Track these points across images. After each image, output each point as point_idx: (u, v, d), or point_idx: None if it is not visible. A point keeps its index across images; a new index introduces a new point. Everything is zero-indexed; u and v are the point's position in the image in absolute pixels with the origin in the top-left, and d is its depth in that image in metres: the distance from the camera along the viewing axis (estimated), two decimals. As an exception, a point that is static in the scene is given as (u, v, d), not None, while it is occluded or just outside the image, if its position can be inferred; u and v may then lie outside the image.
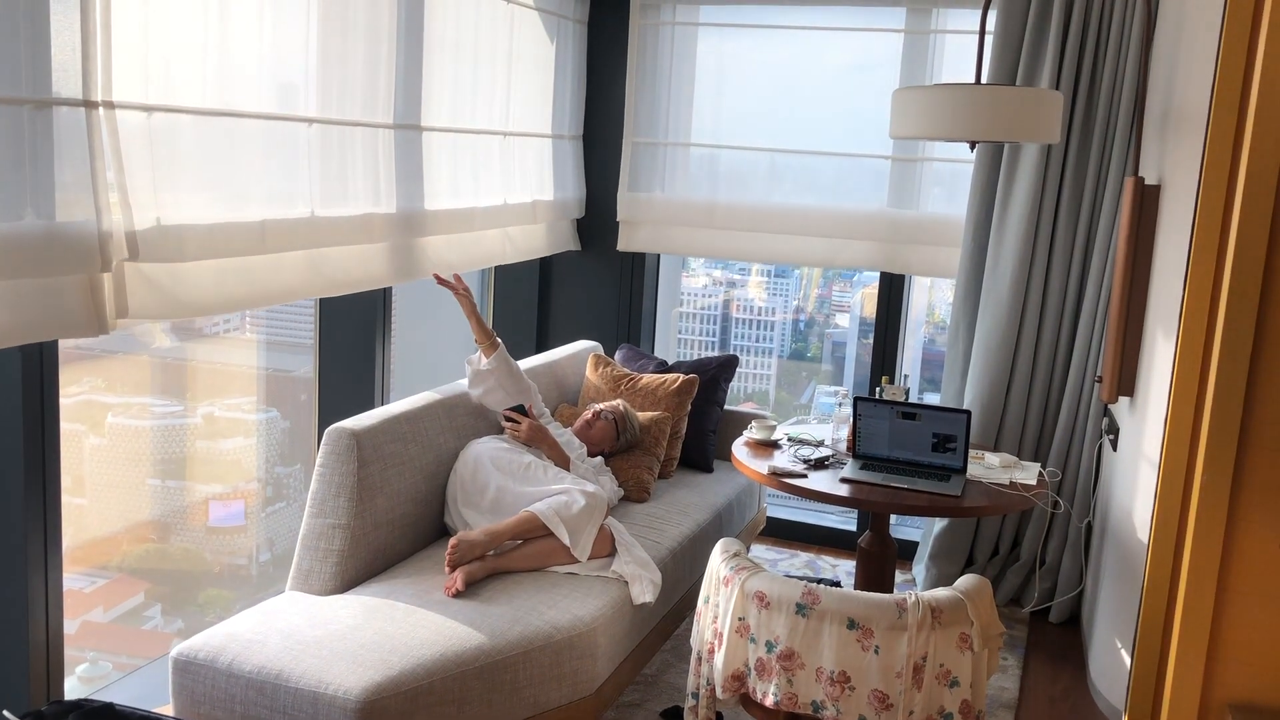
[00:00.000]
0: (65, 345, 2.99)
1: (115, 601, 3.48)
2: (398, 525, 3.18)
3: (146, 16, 2.53)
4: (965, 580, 2.61)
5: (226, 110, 2.81)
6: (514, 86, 4.34)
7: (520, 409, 3.51)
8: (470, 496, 3.31)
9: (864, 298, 5.31)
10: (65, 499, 3.17)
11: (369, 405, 3.86)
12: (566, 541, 3.08)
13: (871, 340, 4.74)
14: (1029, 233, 4.09)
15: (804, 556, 4.69)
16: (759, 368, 5.19)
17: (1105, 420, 3.91)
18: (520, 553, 3.09)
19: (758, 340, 5.22)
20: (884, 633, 2.48)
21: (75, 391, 3.15)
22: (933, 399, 5.00)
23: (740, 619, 2.61)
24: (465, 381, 3.66)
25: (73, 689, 3.18)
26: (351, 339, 3.87)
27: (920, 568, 4.42)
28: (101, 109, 2.40)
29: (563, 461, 3.48)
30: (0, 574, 2.62)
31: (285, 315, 3.63)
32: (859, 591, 2.54)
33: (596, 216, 5.02)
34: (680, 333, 5.38)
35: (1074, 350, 4.13)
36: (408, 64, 3.58)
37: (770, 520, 4.83)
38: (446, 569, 2.97)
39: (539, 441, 3.46)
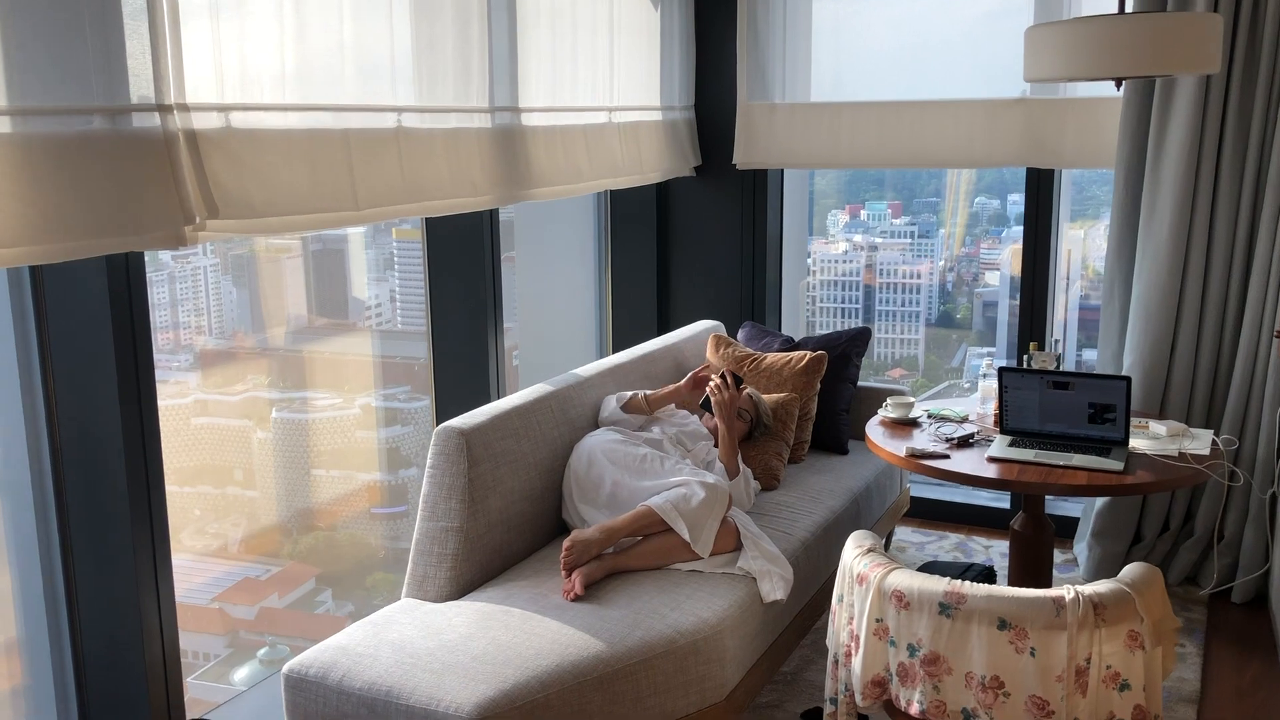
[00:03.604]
0: (228, 346, 3.33)
1: (289, 588, 3.60)
2: (513, 525, 3.05)
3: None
4: (1132, 570, 2.32)
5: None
6: (618, 59, 4.15)
7: (737, 379, 3.36)
8: (585, 492, 3.15)
9: (1013, 254, 4.91)
10: (237, 492, 3.43)
11: (484, 388, 3.75)
12: (686, 537, 2.90)
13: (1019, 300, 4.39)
14: (1188, 176, 3.69)
15: (953, 538, 4.39)
16: (908, 332, 4.95)
17: (1288, 379, 3.50)
18: (639, 550, 2.92)
19: (904, 304, 4.98)
20: (1040, 633, 2.22)
21: (241, 389, 3.32)
22: (1090, 358, 4.61)
23: (878, 620, 2.38)
24: (580, 371, 3.51)
25: (254, 672, 3.35)
26: (463, 323, 3.77)
27: (1082, 546, 4.08)
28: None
29: (731, 457, 3.31)
30: (107, 580, 2.59)
31: (421, 305, 3.68)
32: (1008, 588, 2.28)
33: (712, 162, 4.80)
34: (818, 303, 5.12)
35: (1246, 303, 3.71)
36: (506, 44, 3.43)
37: (915, 500, 4.55)
38: (563, 571, 2.82)
39: (722, 425, 3.30)
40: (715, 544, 2.96)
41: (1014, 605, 2.23)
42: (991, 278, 4.91)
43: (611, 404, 3.38)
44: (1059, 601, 2.21)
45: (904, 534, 4.43)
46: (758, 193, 4.75)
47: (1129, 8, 3.65)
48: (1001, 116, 4.17)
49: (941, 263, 4.94)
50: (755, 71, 4.59)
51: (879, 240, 5.06)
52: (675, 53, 4.56)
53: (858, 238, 5.11)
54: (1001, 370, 3.31)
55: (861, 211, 5.18)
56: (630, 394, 3.44)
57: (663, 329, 4.92)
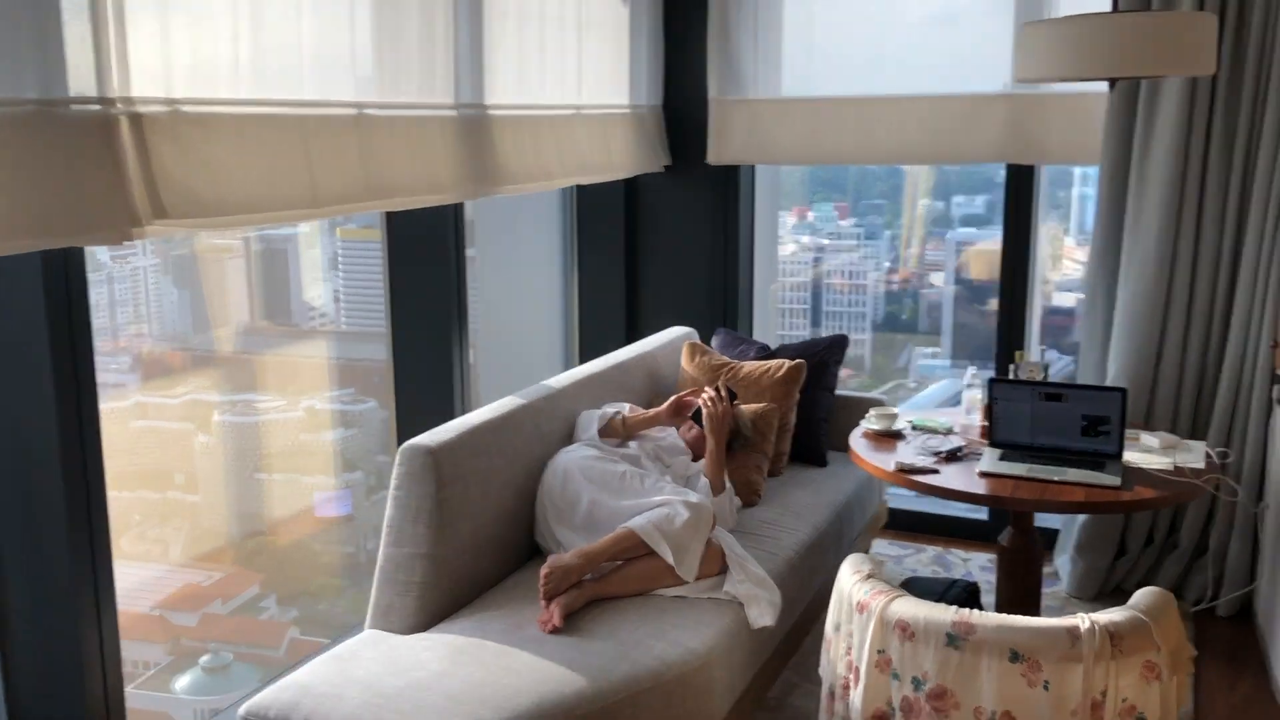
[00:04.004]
0: (169, 348, 3.30)
1: (233, 594, 3.54)
2: (485, 549, 2.88)
3: None
4: (1146, 596, 2.20)
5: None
6: (586, 55, 3.98)
7: (731, 393, 3.24)
8: (561, 513, 2.98)
9: (969, 257, 4.97)
10: (179, 496, 3.36)
11: (447, 399, 3.57)
12: (670, 560, 2.74)
13: (976, 304, 4.31)
14: (1175, 179, 3.60)
15: (931, 550, 4.28)
16: (855, 333, 4.96)
17: (1278, 390, 3.42)
18: (620, 575, 2.76)
19: (850, 305, 5.00)
20: (1054, 665, 2.09)
21: (182, 392, 3.24)
22: (1060, 366, 4.54)
23: (880, 652, 2.24)
24: (552, 382, 3.34)
25: (196, 681, 3.27)
26: (426, 329, 3.58)
27: (1064, 559, 3.98)
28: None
29: (717, 474, 3.16)
30: (44, 592, 2.39)
31: (373, 305, 3.58)
32: (1019, 618, 2.15)
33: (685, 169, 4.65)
34: (774, 303, 5.04)
35: (1233, 311, 3.63)
36: (470, 38, 3.25)
37: (892, 512, 4.43)
38: (541, 601, 2.65)
39: (713, 440, 3.16)
40: (700, 567, 2.80)
41: (1027, 636, 2.10)
42: (936, 279, 4.90)
43: (592, 428, 3.20)
44: (1074, 632, 2.09)
45: (881, 547, 4.30)
46: (729, 191, 4.61)
47: (1119, 6, 3.56)
48: (983, 110, 4.05)
49: (888, 264, 4.94)
50: (726, 66, 4.44)
51: (826, 242, 5.05)
52: (644, 48, 4.40)
53: (806, 239, 5.09)
54: (992, 381, 3.19)
55: (809, 213, 5.17)
56: (609, 414, 3.26)
57: (632, 334, 4.76)
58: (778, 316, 5.15)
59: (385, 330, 3.67)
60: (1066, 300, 4.80)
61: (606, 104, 4.14)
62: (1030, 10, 3.94)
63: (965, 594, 3.44)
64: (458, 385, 3.57)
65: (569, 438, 3.25)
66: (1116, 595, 3.88)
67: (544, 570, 2.65)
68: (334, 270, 3.88)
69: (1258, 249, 3.54)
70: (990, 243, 4.68)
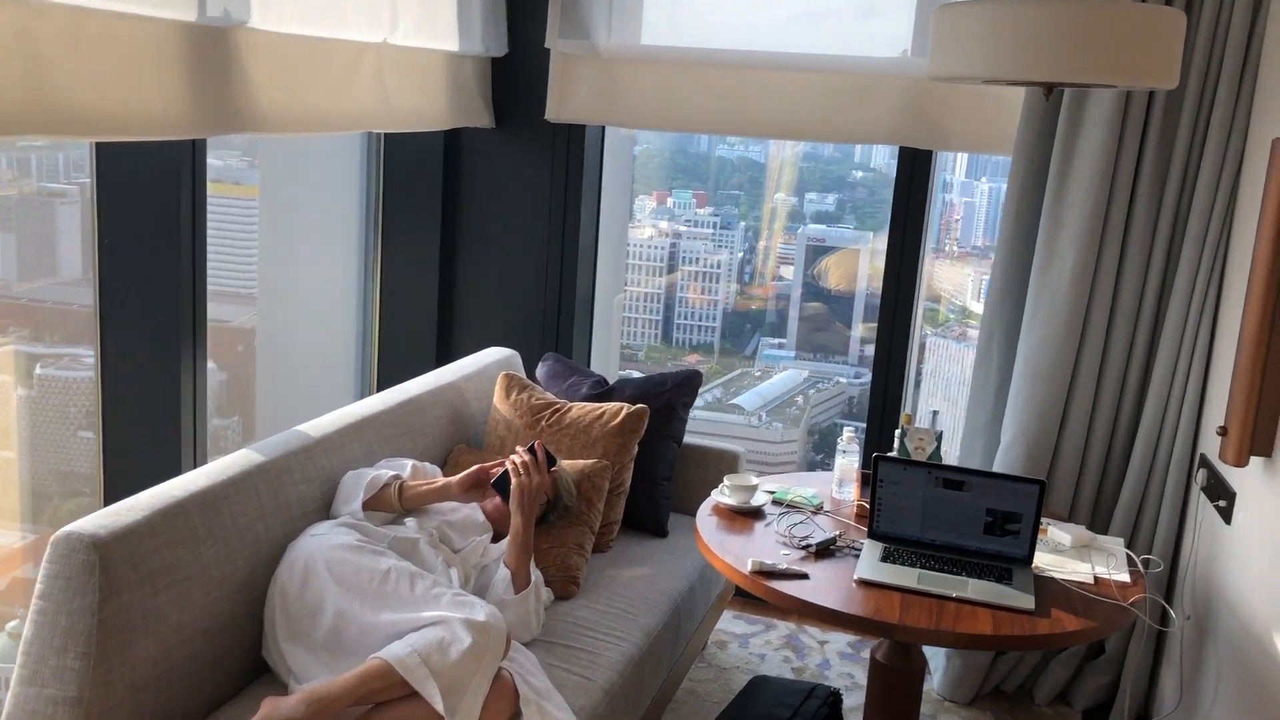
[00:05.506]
0: None
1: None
2: (182, 675, 2.04)
3: None
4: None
5: None
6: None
7: (550, 456, 2.52)
8: (296, 624, 2.16)
9: (829, 265, 4.73)
10: None
11: (171, 445, 2.71)
12: (439, 706, 1.96)
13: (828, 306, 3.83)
14: (1097, 213, 3.00)
15: (782, 628, 3.61)
16: (706, 320, 4.79)
17: (1203, 475, 2.85)
18: (368, 729, 1.97)
19: (703, 293, 4.82)
20: None
21: (2, 341, 2.99)
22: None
23: None
24: (306, 429, 2.51)
25: (4, 646, 2.88)
26: (145, 335, 2.70)
27: (939, 657, 3.35)
28: None
29: (522, 564, 2.41)
30: None
31: (215, 262, 3.19)
32: None
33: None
34: (625, 284, 4.67)
35: (1151, 375, 3.06)
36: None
37: (739, 577, 3.75)
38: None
39: (519, 519, 2.42)
40: (483, 712, 2.03)
41: None
42: (786, 271, 4.78)
43: (356, 499, 2.39)
44: None
45: (726, 622, 3.62)
46: (571, 170, 3.81)
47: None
48: (879, 82, 3.36)
49: (740, 254, 4.81)
50: (571, 4, 3.62)
51: (684, 228, 4.85)
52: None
53: (664, 224, 4.86)
54: (878, 459, 2.51)
55: (669, 199, 4.93)
56: (383, 479, 2.44)
57: (445, 343, 3.94)
58: (631, 301, 4.72)
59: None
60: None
61: (423, 35, 3.27)
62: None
63: (825, 708, 2.78)
64: (189, 429, 2.70)
65: (327, 509, 2.43)
66: (995, 698, 3.29)
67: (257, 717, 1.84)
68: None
69: (1186, 300, 2.98)
70: (851, 248, 4.59)
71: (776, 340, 4.88)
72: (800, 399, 4.84)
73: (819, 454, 4.79)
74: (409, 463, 2.57)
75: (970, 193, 4.60)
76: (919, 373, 4.00)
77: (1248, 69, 2.85)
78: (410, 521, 2.43)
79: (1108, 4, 2.20)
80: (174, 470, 2.65)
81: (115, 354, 2.68)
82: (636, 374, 4.00)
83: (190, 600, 2.05)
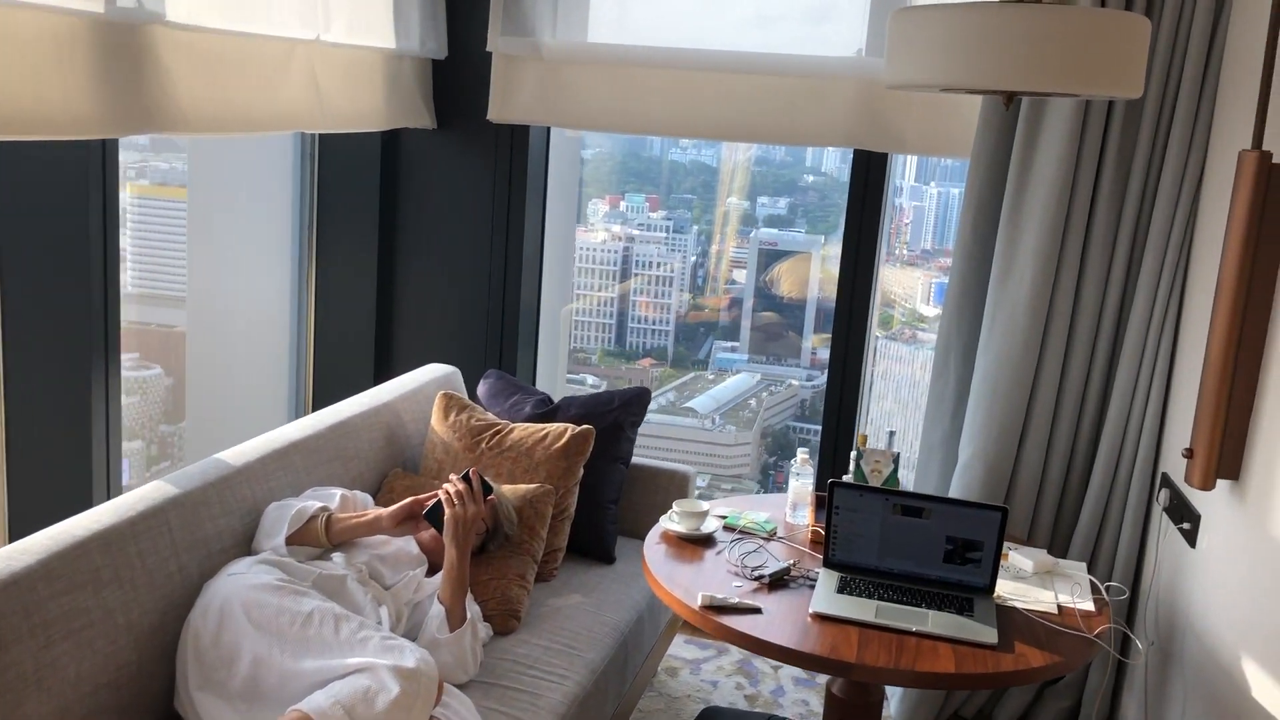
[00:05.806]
0: None
1: None
2: (81, 732, 1.87)
3: None
4: None
5: None
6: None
7: (486, 485, 2.37)
8: (209, 672, 1.99)
9: (781, 273, 4.70)
10: None
11: (82, 474, 2.53)
12: (366, 763, 1.81)
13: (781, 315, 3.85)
14: (1056, 225, 2.91)
15: (735, 653, 3.49)
16: (659, 323, 4.78)
17: (1165, 496, 2.77)
18: (285, 789, 1.81)
19: (656, 296, 4.80)
20: None
21: None
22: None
23: None
24: (226, 456, 2.35)
25: None
26: (49, 349, 2.52)
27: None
28: None
29: (457, 600, 2.26)
30: None
31: (160, 266, 3.35)
32: None
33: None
34: (578, 289, 4.63)
35: (1112, 392, 2.98)
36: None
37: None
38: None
39: (454, 552, 2.25)
40: (411, 766, 1.88)
41: None
42: (739, 275, 4.78)
43: (279, 533, 2.23)
44: None
45: (677, 647, 3.49)
46: (515, 174, 3.66)
47: None
48: (834, 83, 3.25)
49: (694, 258, 4.80)
50: (513, 1, 3.48)
51: (636, 232, 4.84)
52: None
53: (617, 228, 4.83)
54: (833, 485, 2.40)
55: (621, 203, 4.90)
56: (309, 511, 2.28)
57: (384, 351, 3.77)
58: (583, 303, 4.65)
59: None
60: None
61: (358, 31, 3.11)
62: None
63: (779, 740, 2.67)
64: (100, 457, 2.52)
65: (248, 545, 2.27)
66: (954, 725, 3.19)
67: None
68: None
69: (1146, 317, 2.90)
70: (802, 255, 4.56)
71: (730, 344, 4.86)
72: (753, 402, 4.79)
73: (772, 456, 4.73)
74: (338, 492, 2.41)
75: (920, 196, 4.57)
76: (870, 376, 3.91)
77: (1208, 79, 2.78)
78: (337, 557, 2.27)
79: (1070, 10, 2.10)
80: (85, 503, 2.47)
81: (17, 375, 2.49)
82: (590, 379, 3.89)
83: (92, 650, 1.88)
